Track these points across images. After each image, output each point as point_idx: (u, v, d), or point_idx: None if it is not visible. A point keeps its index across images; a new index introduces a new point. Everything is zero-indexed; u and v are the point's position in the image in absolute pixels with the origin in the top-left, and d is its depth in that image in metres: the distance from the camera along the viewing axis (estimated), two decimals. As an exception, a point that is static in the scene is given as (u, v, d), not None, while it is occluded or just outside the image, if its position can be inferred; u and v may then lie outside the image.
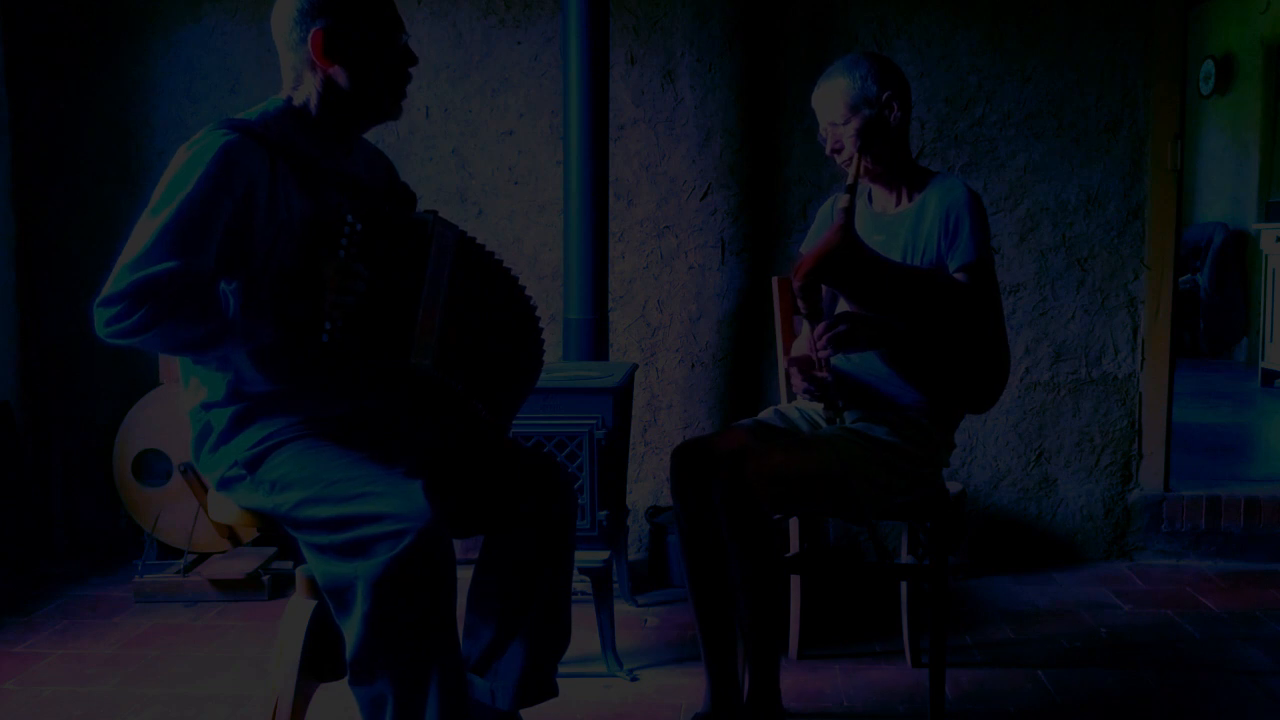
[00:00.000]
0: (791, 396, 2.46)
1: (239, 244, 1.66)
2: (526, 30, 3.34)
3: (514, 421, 2.10)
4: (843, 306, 2.23)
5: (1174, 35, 3.27)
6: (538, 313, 1.94)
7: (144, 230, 1.61)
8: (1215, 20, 7.36)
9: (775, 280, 2.59)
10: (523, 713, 1.92)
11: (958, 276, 2.10)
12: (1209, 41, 7.45)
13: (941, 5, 3.29)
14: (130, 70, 3.40)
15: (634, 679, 2.48)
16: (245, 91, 3.36)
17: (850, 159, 2.13)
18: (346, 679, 1.64)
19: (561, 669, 1.98)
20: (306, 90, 1.78)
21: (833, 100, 2.13)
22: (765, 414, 2.30)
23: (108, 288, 1.57)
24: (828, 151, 2.16)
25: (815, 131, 2.21)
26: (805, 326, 2.12)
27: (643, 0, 3.32)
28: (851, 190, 2.05)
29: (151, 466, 3.18)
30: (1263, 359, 6.16)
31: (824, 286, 2.18)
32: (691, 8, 3.32)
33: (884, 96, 2.11)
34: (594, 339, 3.04)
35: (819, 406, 2.23)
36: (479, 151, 3.38)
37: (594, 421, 2.52)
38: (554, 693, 1.94)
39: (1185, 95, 3.34)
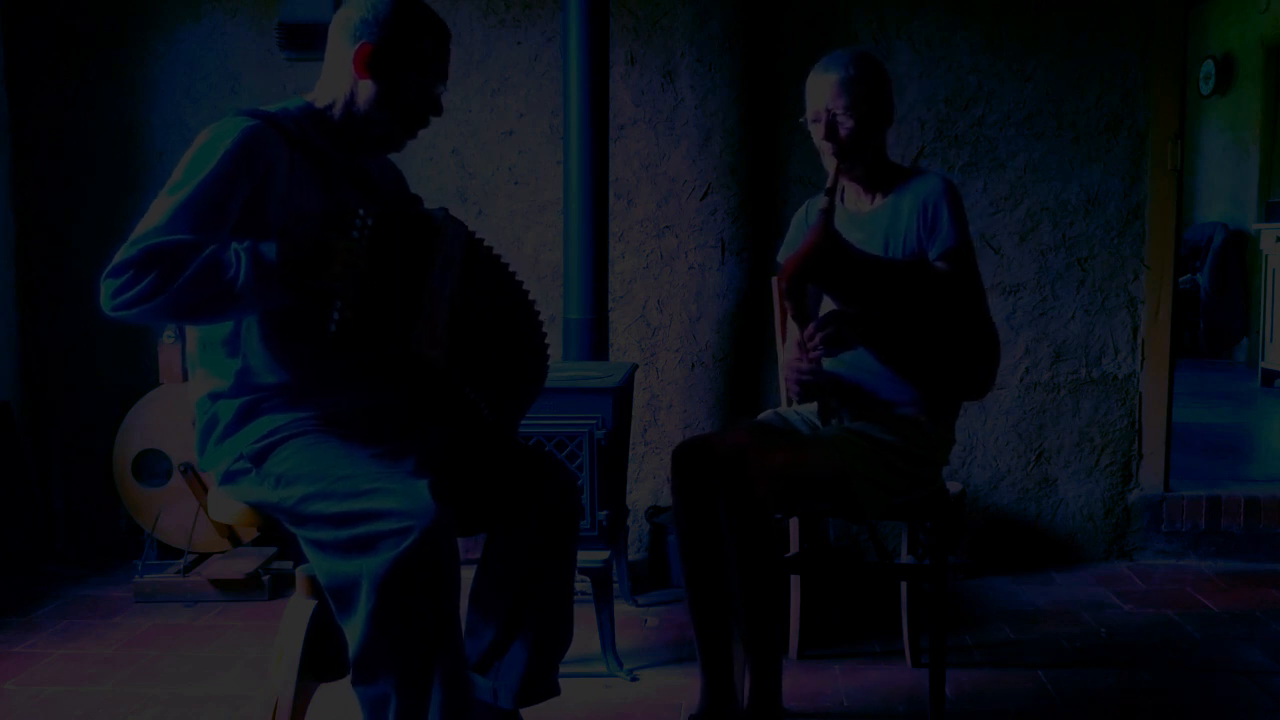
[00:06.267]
0: (790, 399, 2.46)
1: (253, 229, 1.66)
2: (526, 30, 3.34)
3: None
4: (829, 306, 2.24)
5: (1174, 35, 3.27)
6: (541, 317, 1.94)
7: (159, 207, 1.63)
8: (1215, 20, 7.36)
9: (775, 280, 2.59)
10: (523, 712, 1.92)
11: (939, 264, 2.12)
12: (1209, 41, 7.45)
13: (941, 5, 3.29)
14: (130, 70, 3.40)
15: (634, 679, 2.48)
16: (245, 91, 3.36)
17: (834, 152, 2.14)
18: (349, 679, 1.63)
19: (561, 669, 1.97)
20: (333, 95, 1.81)
21: (829, 91, 2.13)
22: (764, 416, 2.30)
23: (117, 257, 1.58)
24: (820, 138, 2.16)
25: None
26: (794, 331, 2.13)
27: (643, 0, 3.32)
28: (831, 192, 2.07)
29: (151, 466, 3.18)
30: (1263, 359, 6.17)
31: (810, 287, 2.19)
32: (691, 8, 3.32)
33: (874, 96, 2.13)
34: (594, 339, 3.04)
35: (815, 408, 2.24)
36: (479, 151, 3.38)
37: (594, 421, 2.52)
38: (556, 692, 1.94)
39: (1185, 95, 3.35)
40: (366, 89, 1.79)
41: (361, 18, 1.78)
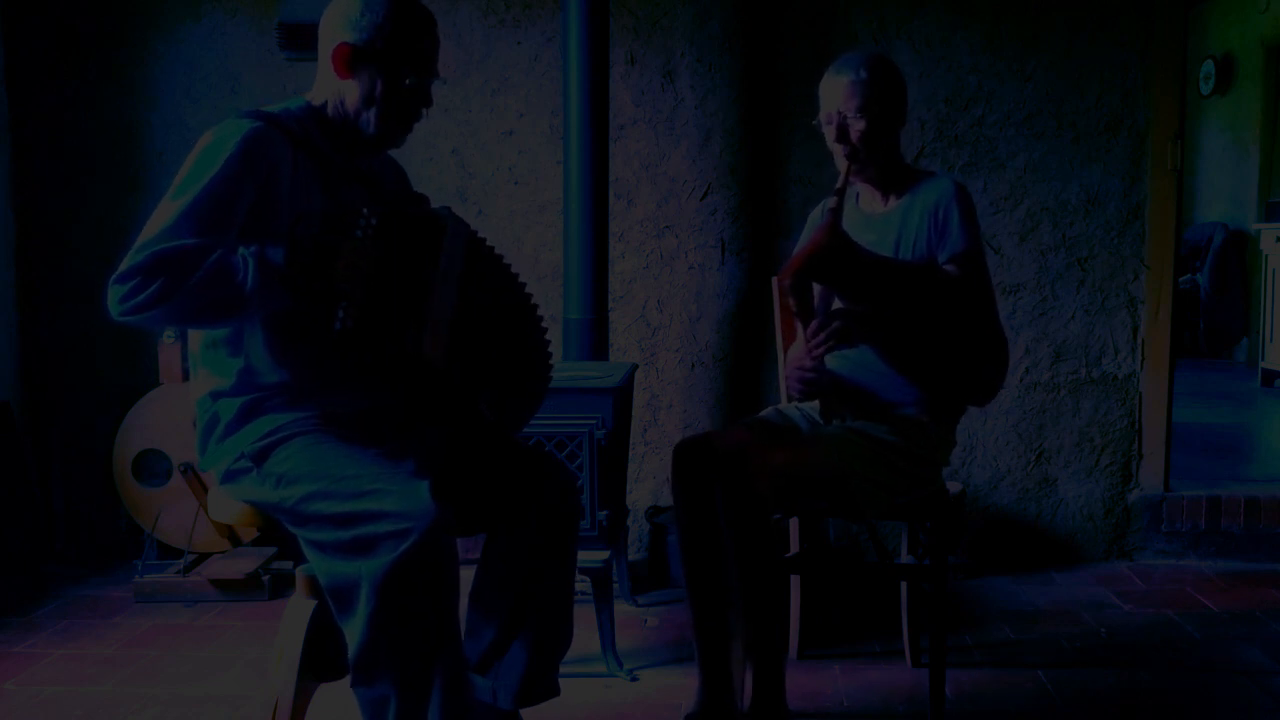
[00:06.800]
0: (791, 397, 2.46)
1: (259, 231, 1.66)
2: (526, 30, 3.34)
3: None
4: (837, 305, 2.24)
5: (1174, 35, 3.27)
6: (542, 317, 1.93)
7: (165, 211, 1.62)
8: (1215, 20, 7.36)
9: (775, 280, 2.59)
10: (523, 712, 1.92)
11: (948, 268, 2.12)
12: (1209, 41, 7.45)
13: (941, 5, 3.29)
14: (130, 70, 3.40)
15: (634, 679, 2.48)
16: (245, 91, 3.36)
17: (845, 154, 2.15)
18: (348, 680, 1.63)
19: (561, 669, 1.97)
20: (326, 95, 1.81)
21: (841, 93, 2.14)
22: (765, 413, 2.30)
23: (125, 263, 1.58)
24: (832, 139, 2.17)
25: (816, 131, 2.22)
26: (799, 331, 2.14)
27: (643, 0, 3.32)
28: (840, 192, 2.07)
29: (151, 466, 3.18)
30: (1263, 359, 6.17)
31: (816, 285, 2.19)
32: (691, 8, 3.32)
33: (886, 99, 2.14)
34: (594, 339, 3.04)
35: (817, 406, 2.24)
36: (479, 151, 3.38)
37: (594, 421, 2.52)
38: (556, 692, 1.94)
39: (1185, 95, 3.35)
40: (351, 88, 1.77)
41: (342, 15, 1.76)
